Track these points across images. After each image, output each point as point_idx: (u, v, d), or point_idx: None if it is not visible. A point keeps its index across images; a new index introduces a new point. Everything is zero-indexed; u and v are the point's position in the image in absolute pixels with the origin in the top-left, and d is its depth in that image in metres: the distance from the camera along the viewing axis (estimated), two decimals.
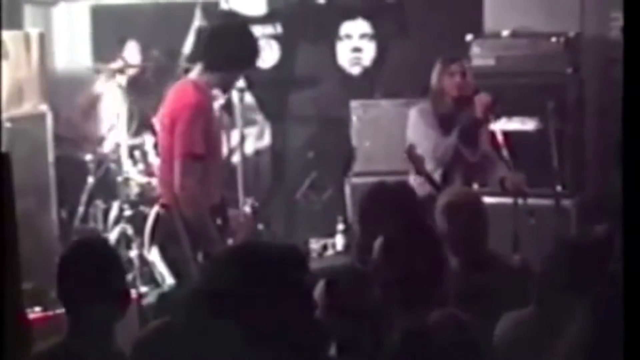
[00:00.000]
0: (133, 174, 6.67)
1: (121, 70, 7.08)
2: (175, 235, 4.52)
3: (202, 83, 4.64)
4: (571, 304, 2.73)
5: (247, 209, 6.33)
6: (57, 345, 3.05)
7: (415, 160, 5.14)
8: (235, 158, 7.31)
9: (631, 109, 2.33)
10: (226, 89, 5.00)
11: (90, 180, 6.85)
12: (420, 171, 5.12)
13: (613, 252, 3.10)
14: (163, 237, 4.66)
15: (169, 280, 6.06)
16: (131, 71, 7.12)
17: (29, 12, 7.48)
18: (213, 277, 2.15)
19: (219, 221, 4.67)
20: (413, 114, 5.61)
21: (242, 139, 7.34)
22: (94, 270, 3.01)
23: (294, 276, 2.10)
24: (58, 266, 3.08)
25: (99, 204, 6.85)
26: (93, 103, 7.23)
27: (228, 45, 4.63)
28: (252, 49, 4.74)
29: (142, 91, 7.19)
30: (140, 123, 6.93)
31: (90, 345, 2.97)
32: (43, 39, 6.20)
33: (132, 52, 7.34)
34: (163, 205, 4.68)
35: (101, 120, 7.25)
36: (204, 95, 4.62)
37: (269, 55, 7.85)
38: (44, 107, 6.06)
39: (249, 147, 7.72)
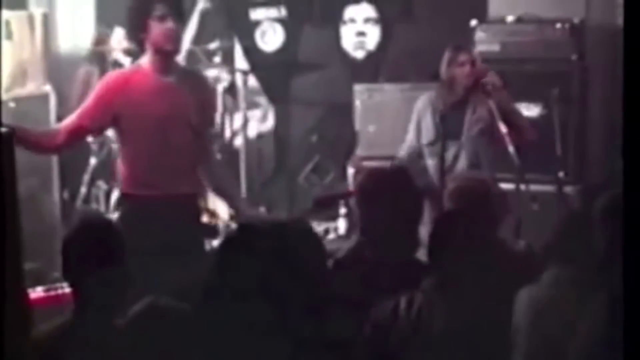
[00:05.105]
0: None
1: (127, 52, 7.03)
2: None
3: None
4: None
5: None
6: (63, 323, 3.08)
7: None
8: (238, 141, 7.32)
9: (632, 97, 2.33)
10: None
11: (93, 161, 6.86)
12: None
13: None
14: None
15: None
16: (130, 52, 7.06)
17: None
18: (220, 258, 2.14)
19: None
20: (417, 104, 5.69)
21: (245, 122, 7.36)
22: (99, 249, 3.06)
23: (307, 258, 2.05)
24: (63, 246, 3.12)
25: (101, 184, 6.85)
26: (87, 81, 7.20)
27: None
28: None
29: None
30: None
31: (95, 324, 3.01)
32: (47, 20, 6.18)
33: (118, 39, 7.26)
34: None
35: None
36: None
37: (273, 39, 7.84)
38: (47, 88, 6.05)
39: (252, 130, 7.72)
